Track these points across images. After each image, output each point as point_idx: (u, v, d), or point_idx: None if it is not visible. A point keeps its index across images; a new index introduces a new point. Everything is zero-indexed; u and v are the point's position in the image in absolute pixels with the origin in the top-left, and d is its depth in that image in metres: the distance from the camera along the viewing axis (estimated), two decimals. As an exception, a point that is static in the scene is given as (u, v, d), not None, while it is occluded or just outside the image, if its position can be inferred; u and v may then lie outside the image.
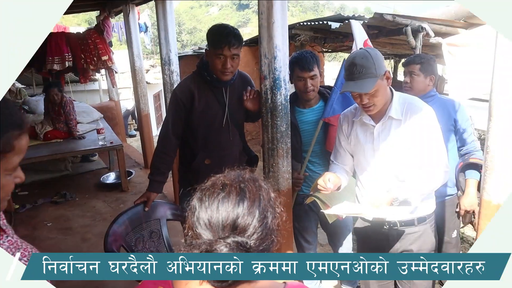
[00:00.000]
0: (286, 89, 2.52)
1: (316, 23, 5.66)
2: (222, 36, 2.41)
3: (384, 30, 4.58)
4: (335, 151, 2.39)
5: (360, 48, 3.00)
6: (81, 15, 34.01)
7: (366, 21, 4.62)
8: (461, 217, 2.83)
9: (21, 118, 1.15)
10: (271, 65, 2.44)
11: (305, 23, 5.94)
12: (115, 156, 5.70)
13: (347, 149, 2.30)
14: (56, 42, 6.15)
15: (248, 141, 3.05)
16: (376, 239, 2.27)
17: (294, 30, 6.23)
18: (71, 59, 6.27)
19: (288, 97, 2.55)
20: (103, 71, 7.40)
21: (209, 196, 1.03)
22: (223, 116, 2.64)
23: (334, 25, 5.02)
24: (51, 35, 6.29)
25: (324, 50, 7.67)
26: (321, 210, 2.31)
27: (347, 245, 2.95)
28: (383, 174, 2.13)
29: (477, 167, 2.63)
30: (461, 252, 3.20)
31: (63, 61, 6.17)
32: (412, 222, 2.17)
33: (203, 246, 0.97)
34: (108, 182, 5.95)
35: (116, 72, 7.16)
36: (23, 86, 9.24)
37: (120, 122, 8.32)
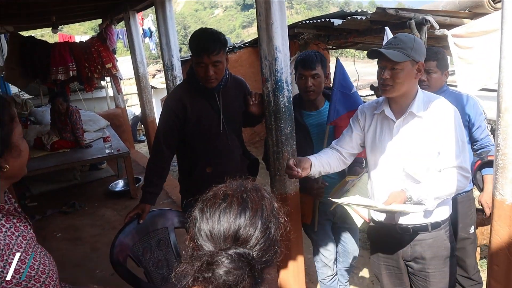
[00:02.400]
0: (289, 90, 2.47)
1: (319, 20, 5.61)
2: (199, 44, 2.30)
3: (388, 24, 4.50)
4: (341, 136, 2.29)
5: None
6: (87, 23, 34.37)
7: (369, 17, 4.56)
8: (483, 216, 2.78)
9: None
10: (272, 67, 2.39)
11: (307, 21, 5.90)
12: (123, 163, 5.69)
13: (355, 137, 2.21)
14: (59, 52, 6.17)
15: (256, 142, 3.00)
16: (388, 242, 2.20)
17: (297, 29, 6.19)
18: (75, 68, 6.27)
19: (291, 99, 2.50)
20: (108, 78, 7.40)
21: (211, 207, 1.01)
22: (218, 122, 2.56)
23: (337, 22, 4.97)
24: (55, 45, 6.32)
25: (329, 47, 7.61)
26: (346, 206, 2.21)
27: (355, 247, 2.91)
28: (399, 173, 2.04)
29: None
30: (478, 247, 3.11)
31: (67, 71, 6.18)
32: (425, 228, 2.07)
33: (204, 258, 0.95)
34: (116, 189, 5.93)
35: (121, 79, 7.17)
36: (30, 97, 9.28)
37: (127, 129, 8.33)
